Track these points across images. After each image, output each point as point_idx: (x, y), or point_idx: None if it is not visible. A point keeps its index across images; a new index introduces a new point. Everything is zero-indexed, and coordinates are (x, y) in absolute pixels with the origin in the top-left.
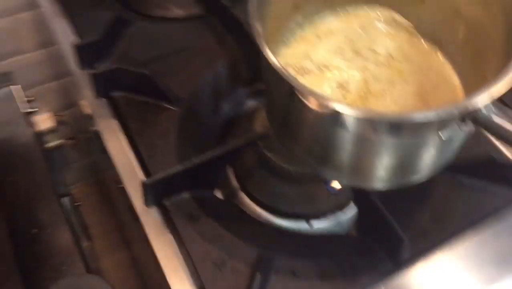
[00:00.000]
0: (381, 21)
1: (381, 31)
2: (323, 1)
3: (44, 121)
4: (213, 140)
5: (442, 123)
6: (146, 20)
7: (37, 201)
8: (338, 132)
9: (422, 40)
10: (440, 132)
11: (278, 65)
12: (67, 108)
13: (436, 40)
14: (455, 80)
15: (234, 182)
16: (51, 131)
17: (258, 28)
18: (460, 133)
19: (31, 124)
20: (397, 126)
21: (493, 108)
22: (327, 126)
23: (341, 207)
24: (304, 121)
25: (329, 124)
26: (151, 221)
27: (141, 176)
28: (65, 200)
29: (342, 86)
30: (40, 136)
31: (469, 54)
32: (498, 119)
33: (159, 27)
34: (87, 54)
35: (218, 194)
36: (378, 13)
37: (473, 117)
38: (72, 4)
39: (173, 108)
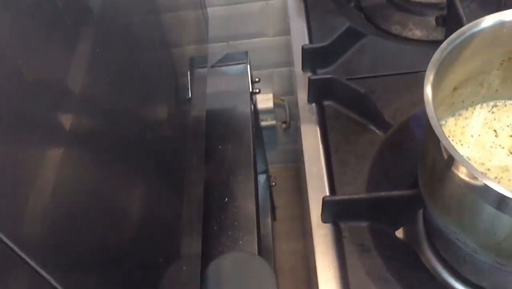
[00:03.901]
0: None
1: None
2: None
3: (264, 101)
4: (411, 179)
5: None
6: (380, 35)
7: (236, 172)
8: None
9: None
10: None
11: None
12: (286, 94)
13: None
14: None
15: (421, 229)
16: (268, 111)
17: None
18: None
19: (252, 102)
20: None
21: None
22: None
23: None
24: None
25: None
26: (322, 236)
27: (325, 189)
28: (262, 178)
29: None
30: (257, 114)
31: None
32: None
33: (392, 45)
34: (312, 58)
35: (400, 234)
36: None
37: None
38: (314, 5)
39: (379, 133)
